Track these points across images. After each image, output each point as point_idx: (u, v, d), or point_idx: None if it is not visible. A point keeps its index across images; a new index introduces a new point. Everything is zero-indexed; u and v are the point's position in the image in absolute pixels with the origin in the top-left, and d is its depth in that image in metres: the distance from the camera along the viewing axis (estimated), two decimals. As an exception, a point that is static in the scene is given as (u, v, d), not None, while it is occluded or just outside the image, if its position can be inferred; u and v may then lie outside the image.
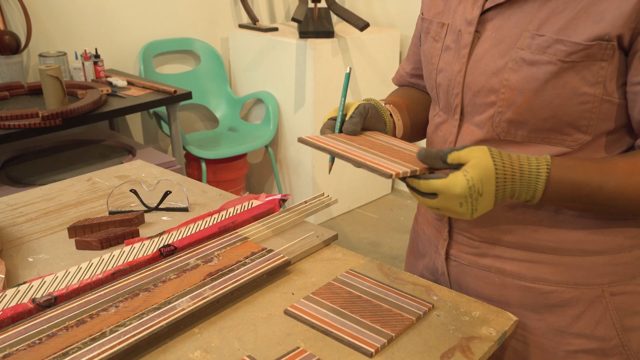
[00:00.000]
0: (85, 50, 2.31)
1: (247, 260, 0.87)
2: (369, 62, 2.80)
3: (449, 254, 0.88)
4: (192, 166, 2.69)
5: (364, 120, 0.81)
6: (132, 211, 1.05)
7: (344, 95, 0.83)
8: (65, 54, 2.29)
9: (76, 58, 2.33)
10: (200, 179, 2.62)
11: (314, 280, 0.86)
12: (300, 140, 0.76)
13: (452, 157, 0.67)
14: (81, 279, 0.81)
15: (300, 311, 0.78)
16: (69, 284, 0.80)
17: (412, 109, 0.93)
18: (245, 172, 2.83)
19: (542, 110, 0.70)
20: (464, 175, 0.65)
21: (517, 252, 0.79)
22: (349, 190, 2.98)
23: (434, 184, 0.66)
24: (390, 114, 0.87)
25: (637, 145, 0.70)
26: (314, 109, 2.66)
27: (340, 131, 0.82)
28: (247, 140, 2.75)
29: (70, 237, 0.97)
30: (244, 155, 2.77)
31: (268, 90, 2.84)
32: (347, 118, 0.81)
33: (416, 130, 0.94)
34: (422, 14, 0.89)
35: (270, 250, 0.90)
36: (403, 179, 0.70)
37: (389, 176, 0.67)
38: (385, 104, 0.87)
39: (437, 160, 0.69)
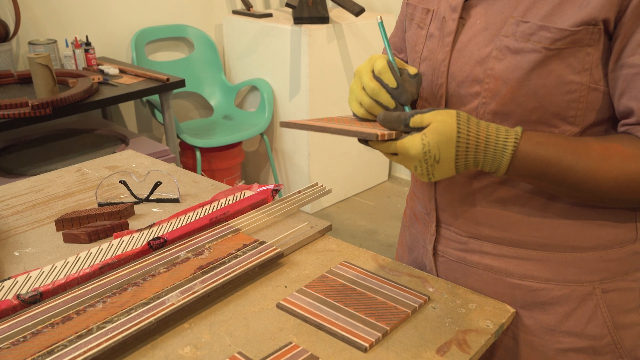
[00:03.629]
0: (75, 38, 2.27)
1: (238, 253, 0.85)
2: (364, 48, 2.76)
3: (436, 250, 0.86)
4: (186, 155, 2.66)
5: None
6: (122, 203, 1.03)
7: (388, 44, 0.75)
8: (55, 41, 2.25)
9: (67, 46, 2.29)
10: (195, 168, 2.60)
11: (307, 272, 0.84)
12: (282, 124, 0.73)
13: (415, 121, 0.66)
14: (68, 273, 0.79)
15: (293, 305, 0.76)
16: (55, 279, 0.78)
17: None
18: (241, 161, 2.80)
19: (528, 101, 0.68)
20: (421, 139, 0.64)
21: (505, 249, 0.77)
22: (345, 178, 2.96)
23: (392, 145, 0.65)
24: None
25: (619, 128, 0.67)
26: (310, 96, 2.63)
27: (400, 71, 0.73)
28: (242, 128, 2.72)
29: (57, 230, 0.95)
30: (239, 143, 2.74)
31: (263, 77, 2.81)
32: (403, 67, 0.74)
33: None
34: (406, 1, 0.86)
35: (262, 242, 0.88)
36: (365, 141, 0.69)
37: (375, 137, 0.65)
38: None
39: (399, 124, 0.67)
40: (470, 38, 0.72)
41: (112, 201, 1.05)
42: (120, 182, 1.07)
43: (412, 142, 0.65)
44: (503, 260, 0.78)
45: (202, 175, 2.65)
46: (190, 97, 2.95)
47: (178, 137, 2.50)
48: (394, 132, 0.67)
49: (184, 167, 2.69)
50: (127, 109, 2.69)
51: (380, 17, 0.78)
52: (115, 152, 2.09)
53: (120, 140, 2.23)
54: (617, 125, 0.69)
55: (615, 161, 0.63)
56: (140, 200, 1.06)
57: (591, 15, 0.62)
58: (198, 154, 2.56)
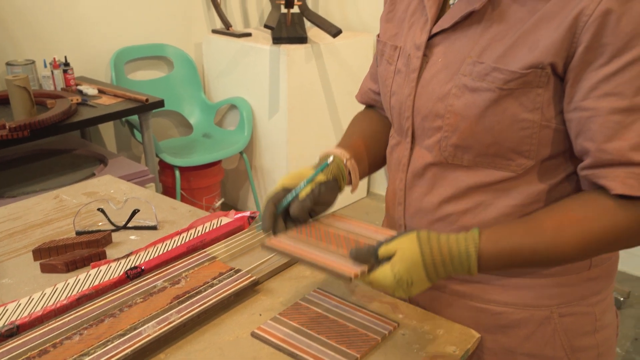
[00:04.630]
0: (54, 59, 2.27)
1: (214, 282, 0.87)
2: (342, 67, 2.81)
3: None
4: (165, 174, 2.67)
5: (316, 199, 0.80)
6: (100, 231, 1.05)
7: (309, 180, 0.80)
8: (33, 62, 2.25)
9: (45, 66, 2.29)
10: (174, 187, 2.61)
11: (281, 299, 0.87)
12: (264, 246, 0.76)
13: (382, 252, 0.70)
14: (45, 305, 0.81)
15: (267, 333, 0.78)
16: (32, 311, 0.79)
17: (372, 150, 0.93)
18: (220, 179, 2.82)
19: (485, 136, 0.72)
20: (391, 270, 0.68)
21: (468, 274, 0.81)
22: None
23: (367, 278, 0.69)
24: (349, 172, 0.87)
25: (579, 172, 0.71)
26: (288, 115, 2.66)
27: (289, 205, 0.80)
28: (222, 146, 2.74)
29: (35, 259, 0.96)
30: (219, 162, 2.76)
31: (242, 96, 2.83)
32: (302, 190, 0.80)
33: (375, 167, 0.96)
34: (379, 36, 0.90)
35: (238, 270, 0.91)
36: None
37: (349, 279, 0.69)
38: (346, 160, 0.86)
39: (370, 258, 0.70)
40: (433, 75, 0.76)
41: (90, 229, 1.07)
42: (98, 209, 1.09)
43: (383, 274, 0.68)
44: (467, 286, 0.82)
45: (181, 193, 2.66)
46: (170, 116, 2.96)
47: (157, 156, 2.51)
48: (366, 268, 0.70)
49: (164, 186, 2.70)
50: (106, 128, 2.69)
51: (332, 158, 0.83)
52: (93, 173, 2.11)
53: (99, 161, 2.24)
54: (573, 157, 0.73)
55: (570, 231, 0.67)
56: (118, 228, 1.07)
57: (539, 59, 0.66)
58: (177, 173, 2.57)
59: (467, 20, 0.73)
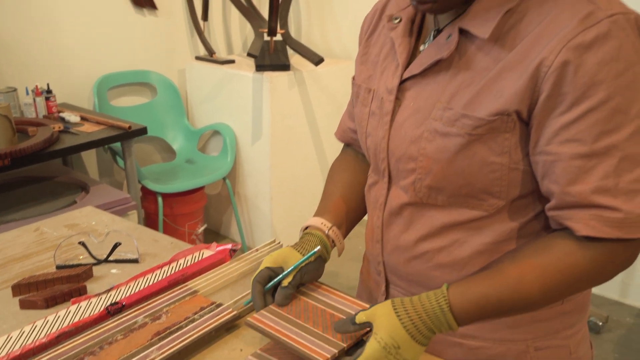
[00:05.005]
0: (36, 86, 2.28)
1: (195, 317, 0.88)
2: (325, 94, 2.85)
3: None
4: (148, 200, 2.66)
5: (298, 283, 0.84)
6: (81, 265, 1.04)
7: (294, 267, 0.84)
8: (15, 89, 2.25)
9: (27, 94, 2.29)
10: (156, 213, 2.60)
11: (262, 334, 0.87)
12: (247, 323, 0.81)
13: (360, 317, 0.72)
14: (24, 344, 0.80)
15: (248, 369, 0.79)
16: (10, 350, 0.79)
17: (353, 205, 0.96)
18: (203, 205, 2.82)
19: (457, 178, 0.74)
20: (374, 339, 0.69)
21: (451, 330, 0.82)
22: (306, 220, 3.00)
23: (359, 358, 0.70)
24: (333, 241, 0.89)
25: (547, 212, 0.73)
26: (271, 141, 2.68)
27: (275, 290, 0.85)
28: (205, 172, 2.75)
29: (14, 295, 0.96)
30: (202, 187, 2.76)
31: (225, 122, 2.85)
32: (286, 277, 0.83)
33: (358, 219, 0.98)
34: (354, 78, 0.92)
35: (219, 305, 0.91)
36: None
37: None
38: (328, 230, 0.89)
39: (349, 326, 0.74)
40: (405, 118, 0.78)
41: (71, 262, 1.06)
42: (79, 243, 1.08)
43: (370, 347, 0.69)
44: None
45: (164, 220, 2.65)
46: (153, 142, 2.97)
47: (140, 182, 2.51)
48: (336, 352, 0.74)
49: (146, 213, 2.69)
50: (88, 155, 2.68)
51: (319, 248, 0.86)
52: (75, 201, 2.10)
53: (81, 188, 2.23)
54: (542, 196, 0.75)
55: (532, 278, 0.68)
56: (99, 262, 1.07)
57: (504, 106, 0.69)
58: (160, 199, 2.56)
59: (436, 67, 0.76)
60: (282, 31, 2.79)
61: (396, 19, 0.83)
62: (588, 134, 0.65)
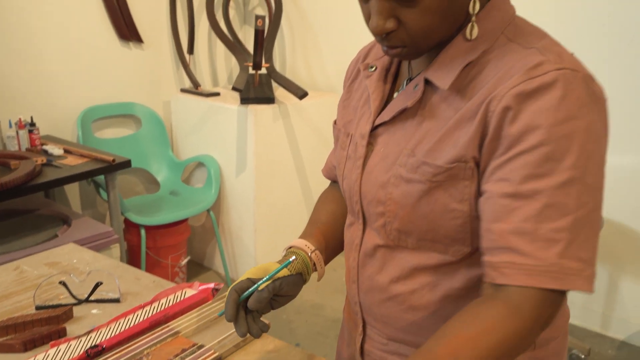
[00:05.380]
0: (20, 119, 2.27)
1: (177, 359, 0.87)
2: (309, 126, 2.88)
3: (363, 349, 0.91)
4: (131, 232, 2.64)
5: (276, 292, 0.83)
6: (61, 305, 1.03)
7: (270, 276, 0.83)
8: (-2, 122, 2.24)
9: (10, 126, 2.28)
10: (139, 245, 2.58)
11: (244, 377, 0.87)
12: None
13: None
14: (1, 390, 0.79)
15: (229, 414, 0.78)
16: (-13, 397, 0.77)
17: (338, 234, 0.97)
18: (187, 237, 2.80)
19: (422, 223, 0.75)
20: None
21: None
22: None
23: None
24: (314, 264, 0.90)
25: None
26: (256, 173, 2.69)
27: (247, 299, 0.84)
28: (189, 204, 2.74)
29: (-8, 338, 0.94)
30: (185, 219, 2.75)
31: (210, 154, 2.86)
32: (263, 284, 0.83)
33: (340, 251, 0.99)
34: (335, 122, 0.95)
35: (201, 346, 0.91)
36: None
37: None
38: (311, 252, 0.90)
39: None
40: (376, 163, 0.80)
41: (51, 303, 1.05)
42: (60, 282, 1.08)
43: None
44: None
45: (147, 252, 2.63)
46: (137, 173, 2.96)
47: (123, 214, 2.49)
48: None
49: (129, 245, 2.66)
50: (71, 187, 2.66)
51: (295, 257, 0.86)
52: (56, 235, 2.07)
53: (63, 221, 2.21)
54: None
55: (466, 354, 0.65)
56: (79, 302, 1.06)
57: (461, 153, 0.71)
58: (143, 232, 2.55)
59: (404, 115, 0.78)
60: (267, 65, 2.83)
61: (372, 67, 0.86)
62: (517, 175, 0.66)
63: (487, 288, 0.69)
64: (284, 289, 0.84)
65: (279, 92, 2.95)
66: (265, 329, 0.83)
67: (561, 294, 0.66)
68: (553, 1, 2.29)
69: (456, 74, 0.72)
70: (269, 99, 2.68)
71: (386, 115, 0.80)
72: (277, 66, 3.31)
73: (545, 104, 0.65)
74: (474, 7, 0.71)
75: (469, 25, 0.72)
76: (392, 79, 0.86)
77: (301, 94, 2.55)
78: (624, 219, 2.30)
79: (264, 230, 2.80)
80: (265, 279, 0.83)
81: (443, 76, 0.73)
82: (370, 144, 0.82)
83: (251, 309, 0.81)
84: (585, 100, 0.66)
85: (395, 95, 0.83)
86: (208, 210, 2.80)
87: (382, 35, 0.72)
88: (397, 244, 0.80)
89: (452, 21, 0.72)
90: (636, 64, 2.12)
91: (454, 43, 0.74)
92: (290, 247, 0.92)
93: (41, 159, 2.13)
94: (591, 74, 0.70)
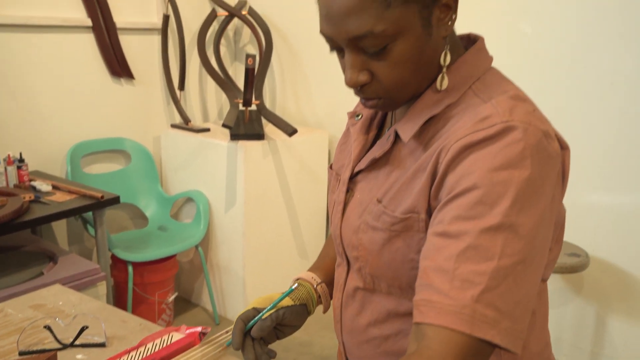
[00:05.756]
0: (9, 155, 2.27)
1: (162, 408, 0.86)
2: (298, 162, 2.90)
3: None
4: (118, 268, 2.61)
5: (279, 322, 0.87)
6: (45, 350, 1.02)
7: (274, 304, 0.87)
8: (-13, 158, 2.24)
9: (-1, 162, 2.28)
10: (126, 282, 2.55)
11: None
12: None
13: None
14: None
15: None
16: None
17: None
18: (175, 273, 2.78)
19: (388, 271, 0.77)
20: None
21: None
22: (281, 289, 2.98)
23: None
24: (319, 296, 0.93)
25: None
26: (245, 208, 2.69)
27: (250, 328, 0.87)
28: (177, 240, 2.73)
29: (-26, 385, 0.93)
30: (174, 255, 2.73)
31: (199, 189, 2.86)
32: (266, 313, 0.86)
33: None
34: (331, 166, 0.97)
35: (187, 393, 0.90)
36: None
37: None
38: (317, 285, 0.92)
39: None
40: (352, 209, 0.83)
41: (35, 347, 1.04)
42: (45, 327, 1.06)
43: None
44: None
45: (133, 289, 2.60)
46: (125, 208, 2.95)
47: (110, 250, 2.47)
48: None
49: (115, 282, 2.64)
50: (58, 222, 2.65)
51: (297, 284, 0.90)
52: (42, 272, 2.05)
53: (49, 258, 2.19)
54: None
55: None
56: (64, 346, 1.05)
57: (414, 204, 0.72)
58: (130, 268, 2.52)
59: (377, 163, 0.81)
60: (257, 102, 2.86)
61: (358, 115, 0.89)
62: (449, 216, 0.66)
63: (412, 330, 0.67)
64: (287, 318, 0.86)
65: (268, 128, 2.97)
66: (272, 354, 0.85)
67: (486, 345, 0.62)
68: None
69: (417, 127, 0.74)
70: (259, 135, 2.70)
71: (363, 163, 0.83)
72: (267, 102, 3.35)
73: (486, 153, 0.65)
74: (445, 59, 0.73)
75: (440, 76, 0.74)
76: (377, 127, 0.88)
77: (290, 132, 2.58)
78: (610, 257, 2.32)
79: (253, 265, 2.79)
80: (268, 307, 0.85)
81: (408, 129, 0.76)
82: (350, 190, 0.85)
83: (254, 337, 0.83)
84: (530, 153, 0.65)
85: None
86: (196, 246, 2.79)
87: (357, 88, 0.74)
88: (374, 287, 0.82)
89: (424, 73, 0.74)
90: (613, 106, 2.18)
91: (424, 95, 0.76)
92: (297, 279, 0.94)
93: (29, 196, 2.12)
94: (549, 130, 0.69)
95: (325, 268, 0.97)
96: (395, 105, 0.76)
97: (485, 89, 0.73)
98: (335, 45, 0.73)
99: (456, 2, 0.71)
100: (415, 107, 0.76)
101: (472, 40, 0.81)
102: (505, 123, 0.66)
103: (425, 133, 0.75)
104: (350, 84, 0.73)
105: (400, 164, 0.77)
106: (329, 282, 0.95)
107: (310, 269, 0.97)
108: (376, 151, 0.80)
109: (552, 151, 0.68)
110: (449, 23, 0.72)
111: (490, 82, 0.75)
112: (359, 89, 0.74)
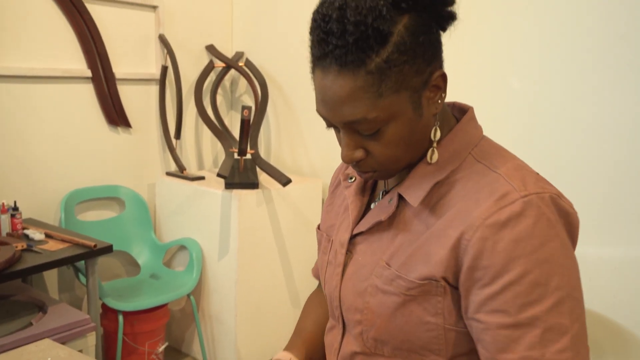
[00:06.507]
0: (3, 203, 2.27)
1: None
2: (293, 211, 2.91)
3: None
4: (108, 317, 2.58)
5: None
6: (32, 410, 1.00)
7: None
8: (-19, 206, 2.24)
9: (-7, 210, 2.28)
10: (116, 332, 2.52)
11: None
12: None
13: None
14: None
15: None
16: None
17: (320, 342, 0.98)
18: (166, 322, 2.74)
19: (397, 334, 0.77)
20: None
21: None
22: (273, 339, 2.94)
23: None
24: None
25: None
26: (238, 257, 2.68)
27: None
28: (169, 288, 2.70)
29: None
30: (165, 304, 2.71)
31: (193, 237, 2.86)
32: None
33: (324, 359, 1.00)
34: (319, 226, 0.98)
35: None
36: None
37: None
38: None
39: None
40: (354, 271, 0.83)
41: (22, 407, 1.02)
42: (32, 385, 1.05)
43: None
44: None
45: (123, 339, 2.56)
46: (118, 255, 2.94)
47: (101, 298, 2.45)
48: None
49: (105, 331, 2.60)
50: (49, 270, 2.63)
51: None
52: (31, 323, 2.02)
53: (38, 308, 2.16)
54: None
55: None
56: (51, 406, 1.04)
57: (432, 272, 0.74)
58: (121, 318, 2.49)
59: (379, 226, 0.82)
60: (252, 151, 2.90)
61: (351, 178, 0.91)
62: (512, 305, 0.69)
63: None
64: None
65: (263, 177, 3.00)
66: None
67: None
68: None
69: (425, 192, 0.77)
70: (253, 184, 2.73)
71: (363, 226, 0.84)
72: (262, 151, 3.39)
73: (520, 234, 0.69)
74: (435, 135, 0.77)
75: (430, 151, 0.77)
76: (370, 190, 0.90)
77: (285, 182, 2.61)
78: (604, 310, 2.32)
79: (245, 315, 2.76)
80: None
81: (413, 193, 0.78)
82: (349, 252, 0.85)
83: None
84: (554, 220, 0.71)
85: (372, 205, 0.87)
86: (188, 295, 2.76)
87: (352, 163, 0.77)
88: (374, 351, 0.81)
89: (416, 148, 0.77)
90: (606, 157, 2.22)
91: (420, 166, 0.79)
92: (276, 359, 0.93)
93: (21, 245, 2.11)
94: (557, 191, 0.74)
95: (302, 346, 0.95)
96: (390, 175, 0.79)
97: (485, 156, 0.78)
98: (331, 124, 0.76)
99: (445, 81, 0.74)
100: (415, 174, 0.78)
101: (458, 108, 0.84)
102: (525, 198, 0.70)
103: (430, 197, 0.77)
104: (346, 160, 0.76)
105: (406, 227, 0.78)
106: (310, 356, 0.94)
107: (287, 348, 0.96)
108: (380, 214, 0.81)
109: (568, 208, 0.74)
110: (439, 101, 0.75)
111: (488, 150, 0.79)
112: (354, 163, 0.77)
